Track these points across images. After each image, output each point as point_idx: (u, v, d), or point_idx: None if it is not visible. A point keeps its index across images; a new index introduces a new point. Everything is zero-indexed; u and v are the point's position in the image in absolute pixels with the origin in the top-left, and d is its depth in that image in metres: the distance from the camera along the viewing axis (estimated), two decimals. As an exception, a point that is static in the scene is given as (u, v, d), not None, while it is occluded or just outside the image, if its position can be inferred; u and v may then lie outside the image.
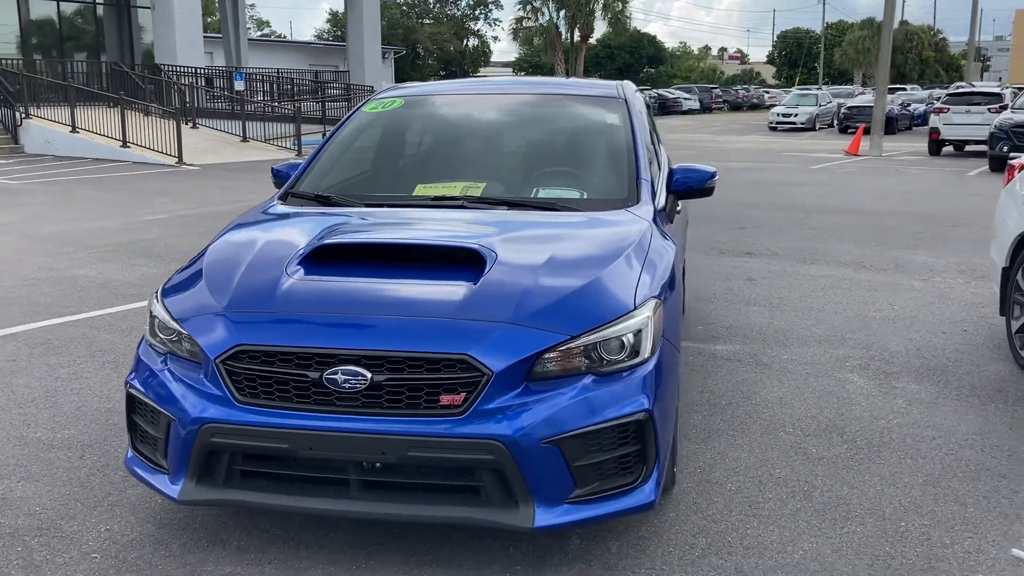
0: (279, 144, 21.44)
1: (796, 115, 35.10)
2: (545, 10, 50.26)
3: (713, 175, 4.24)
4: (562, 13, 49.96)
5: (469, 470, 2.81)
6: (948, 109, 22.10)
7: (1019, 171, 5.75)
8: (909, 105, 35.61)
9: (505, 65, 80.00)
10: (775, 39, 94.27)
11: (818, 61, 74.75)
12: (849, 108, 32.42)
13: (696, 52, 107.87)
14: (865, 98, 32.87)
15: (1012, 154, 10.57)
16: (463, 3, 68.97)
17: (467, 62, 67.21)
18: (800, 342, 5.72)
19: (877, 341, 5.74)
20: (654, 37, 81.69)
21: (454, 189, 3.97)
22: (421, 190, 4.03)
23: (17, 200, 12.66)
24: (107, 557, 3.10)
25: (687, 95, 55.17)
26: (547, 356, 2.82)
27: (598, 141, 4.40)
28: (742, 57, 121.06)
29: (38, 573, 3.01)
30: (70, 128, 19.46)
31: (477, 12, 69.02)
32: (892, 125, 29.53)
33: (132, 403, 3.16)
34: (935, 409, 4.54)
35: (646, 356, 2.94)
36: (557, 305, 2.95)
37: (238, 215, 4.08)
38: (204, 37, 24.90)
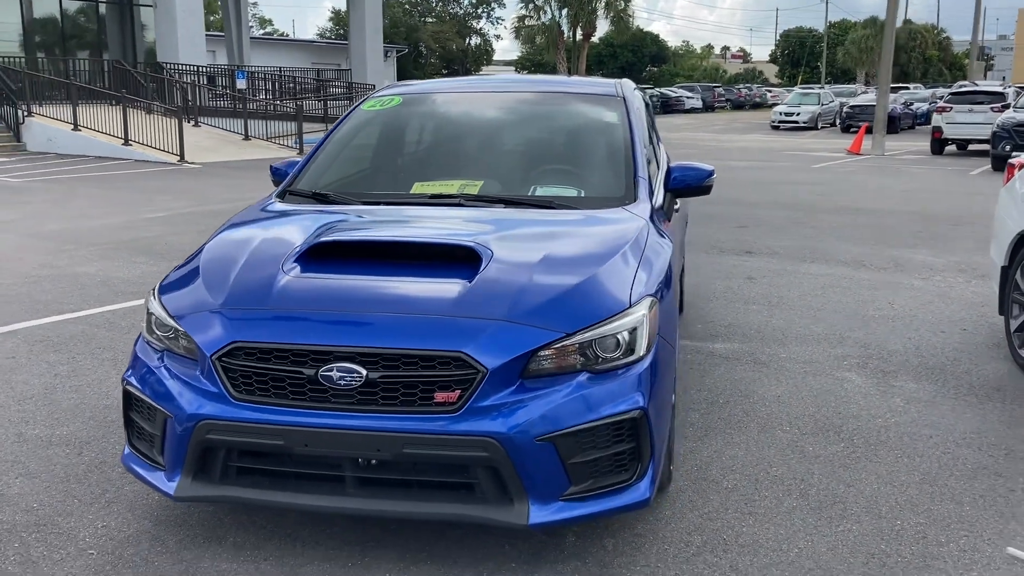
0: (281, 142, 21.47)
1: (798, 114, 35.08)
2: (547, 8, 50.23)
3: (711, 173, 4.24)
4: (564, 12, 49.91)
5: (464, 467, 2.81)
6: (951, 108, 22.08)
7: (1019, 170, 5.75)
8: (912, 104, 35.58)
9: (507, 64, 79.98)
10: (778, 38, 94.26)
11: (821, 60, 74.71)
12: (851, 107, 32.37)
13: (699, 51, 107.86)
14: (867, 97, 32.80)
15: (1014, 153, 10.54)
16: (465, 2, 69.02)
17: (469, 61, 67.21)
18: (799, 341, 5.72)
19: (876, 340, 5.74)
20: (657, 36, 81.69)
21: (451, 187, 3.98)
22: (418, 188, 4.03)
23: (19, 198, 12.68)
24: (103, 553, 3.11)
25: (690, 94, 55.15)
26: (542, 354, 2.82)
27: (596, 139, 4.40)
28: (745, 56, 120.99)
29: (35, 569, 3.02)
30: (72, 126, 19.49)
31: (479, 11, 69.04)
32: (895, 124, 29.48)
33: (129, 400, 3.17)
34: (933, 408, 4.54)
35: (641, 354, 2.95)
36: (552, 303, 2.95)
37: (236, 213, 4.08)
38: (207, 35, 24.93)
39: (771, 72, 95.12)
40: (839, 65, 75.62)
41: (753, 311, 6.47)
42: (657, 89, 55.76)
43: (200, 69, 23.52)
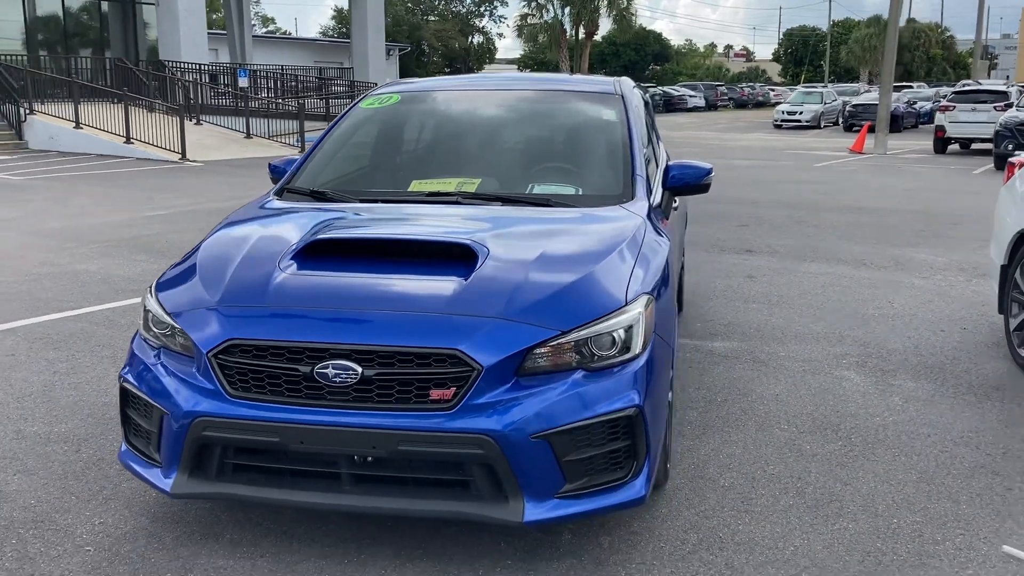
0: (283, 141, 21.48)
1: (801, 113, 35.05)
2: (550, 7, 50.18)
3: (709, 171, 4.23)
4: (567, 10, 49.86)
5: (459, 464, 2.81)
6: (954, 107, 22.05)
7: (1019, 168, 5.74)
8: (915, 103, 35.53)
9: (510, 62, 79.94)
10: (781, 37, 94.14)
11: (824, 59, 74.56)
12: (854, 106, 32.34)
13: (702, 49, 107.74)
14: (870, 96, 32.76)
15: (1016, 151, 10.52)
16: (468, 0, 68.93)
17: (472, 59, 67.17)
18: (798, 339, 5.72)
19: (875, 338, 5.74)
20: (660, 34, 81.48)
21: (449, 185, 3.98)
22: (416, 186, 4.04)
23: (21, 196, 12.70)
24: (100, 550, 3.12)
25: (692, 92, 55.12)
26: (537, 351, 2.83)
27: (594, 137, 4.40)
28: (748, 55, 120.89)
29: (32, 565, 3.03)
30: (74, 124, 19.50)
31: (482, 9, 68.96)
32: (898, 123, 29.45)
33: (126, 397, 3.18)
34: (931, 406, 4.53)
35: (637, 352, 2.95)
36: (548, 300, 2.95)
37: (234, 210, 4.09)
38: (209, 34, 24.94)
39: (774, 71, 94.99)
40: (842, 64, 75.50)
41: (753, 310, 6.46)
42: (660, 88, 55.71)
43: (202, 67, 23.54)
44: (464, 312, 2.87)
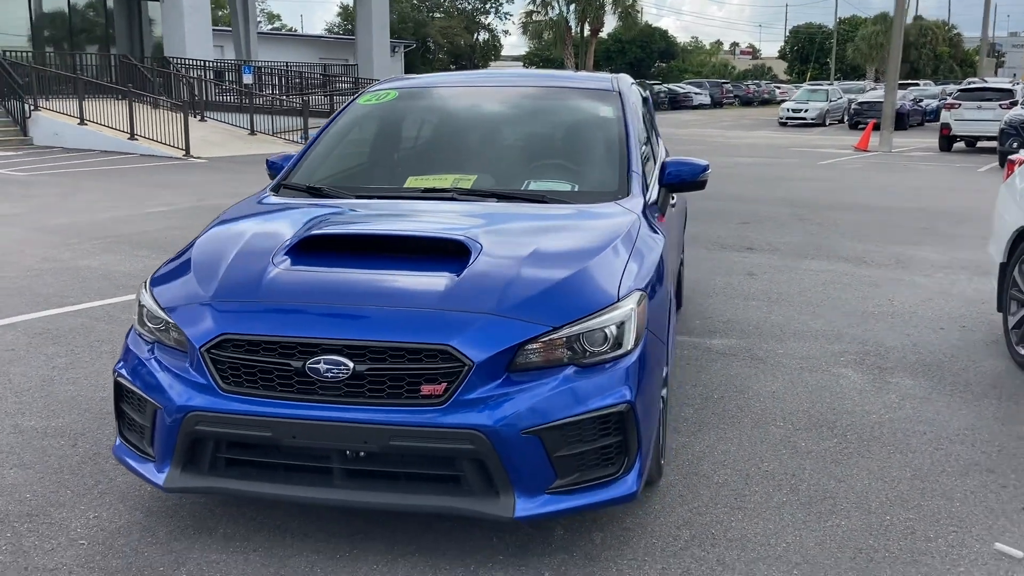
0: (287, 137, 21.50)
1: (806, 110, 34.98)
2: (555, 4, 50.10)
3: (705, 168, 4.23)
4: (572, 7, 49.80)
5: (450, 459, 2.82)
6: (959, 105, 21.99)
7: (1019, 166, 5.72)
8: (921, 101, 35.42)
9: (515, 59, 79.84)
10: (787, 34, 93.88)
11: (830, 56, 74.36)
12: (859, 104, 32.27)
13: (708, 47, 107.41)
14: (876, 94, 32.66)
15: (1021, 149, 10.48)
16: (473, -3, 68.82)
17: (477, 56, 67.11)
18: (796, 337, 5.71)
19: (874, 336, 5.73)
20: (666, 32, 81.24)
21: (445, 181, 3.98)
22: (412, 182, 4.04)
23: (25, 192, 12.74)
24: (94, 544, 3.13)
25: (698, 90, 55.03)
26: (529, 347, 2.83)
27: (590, 134, 4.40)
28: (754, 52, 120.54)
29: (26, 559, 3.04)
30: (78, 120, 19.54)
31: (487, 6, 68.87)
32: (903, 121, 29.37)
33: (120, 391, 3.19)
34: (928, 404, 4.53)
35: (629, 348, 2.95)
36: (540, 296, 2.96)
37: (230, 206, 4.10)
38: (214, 30, 24.99)
39: (780, 68, 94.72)
40: (849, 61, 75.26)
41: (752, 307, 6.46)
42: (665, 85, 55.64)
43: (207, 64, 23.57)
44: (456, 308, 2.88)
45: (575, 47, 50.69)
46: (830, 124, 35.23)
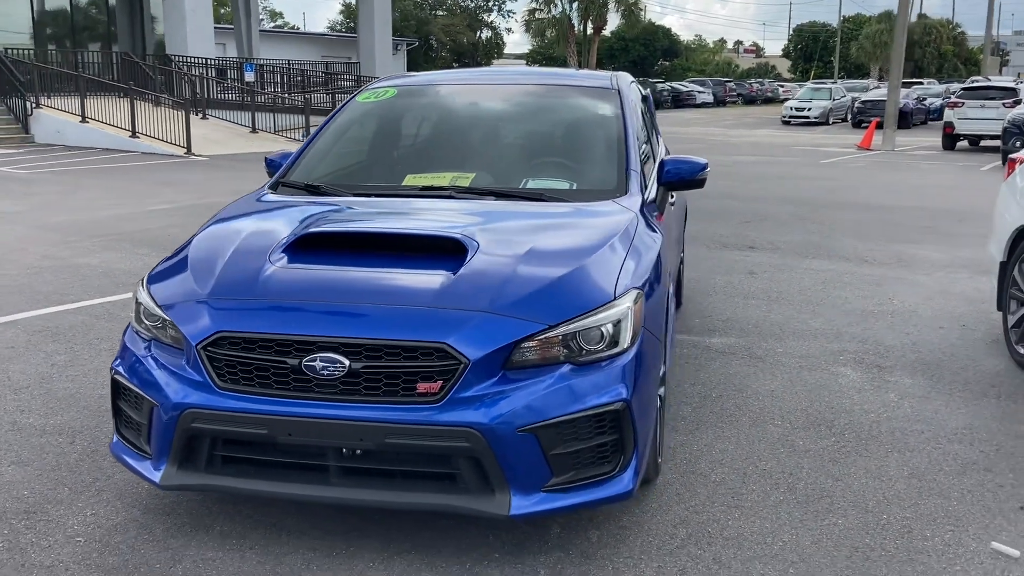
0: (289, 135, 21.50)
1: (809, 109, 34.92)
2: (558, 2, 50.08)
3: (704, 167, 4.22)
4: (575, 5, 49.75)
5: (446, 457, 2.82)
6: (963, 103, 21.96)
7: (1020, 164, 5.71)
8: (925, 99, 35.36)
9: (519, 57, 79.82)
10: (791, 32, 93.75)
11: (834, 55, 74.24)
12: (863, 102, 32.21)
13: (711, 45, 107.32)
14: (879, 92, 32.62)
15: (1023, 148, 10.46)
16: (476, -5, 68.79)
17: (480, 54, 67.09)
18: (796, 336, 5.70)
19: (874, 335, 5.72)
20: (669, 30, 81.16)
21: (443, 179, 3.98)
22: (410, 180, 4.04)
23: (26, 189, 12.75)
24: (91, 541, 3.14)
25: (701, 88, 54.95)
26: (525, 345, 2.83)
27: (589, 132, 4.39)
28: (757, 50, 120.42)
29: (23, 555, 3.05)
30: (80, 118, 19.55)
31: (490, 4, 68.82)
32: (907, 119, 29.32)
33: (117, 389, 3.19)
34: (926, 403, 4.52)
35: (625, 346, 2.95)
36: (536, 295, 2.95)
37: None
38: (216, 28, 24.98)
39: (784, 67, 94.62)
40: (853, 60, 75.14)
41: (752, 306, 6.45)
42: (668, 83, 55.56)
43: (209, 62, 23.58)
44: (452, 306, 2.88)
45: (578, 45, 50.64)
46: (833, 123, 35.18)
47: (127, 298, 6.50)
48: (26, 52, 22.29)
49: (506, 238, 3.28)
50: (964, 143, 22.35)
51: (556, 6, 50.48)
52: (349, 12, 62.77)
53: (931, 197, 12.86)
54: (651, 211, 3.86)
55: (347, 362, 2.78)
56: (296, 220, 3.51)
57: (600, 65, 56.51)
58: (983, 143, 22.05)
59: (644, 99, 5.19)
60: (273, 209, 3.83)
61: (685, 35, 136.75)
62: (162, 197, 12.10)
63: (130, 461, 3.13)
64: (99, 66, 23.67)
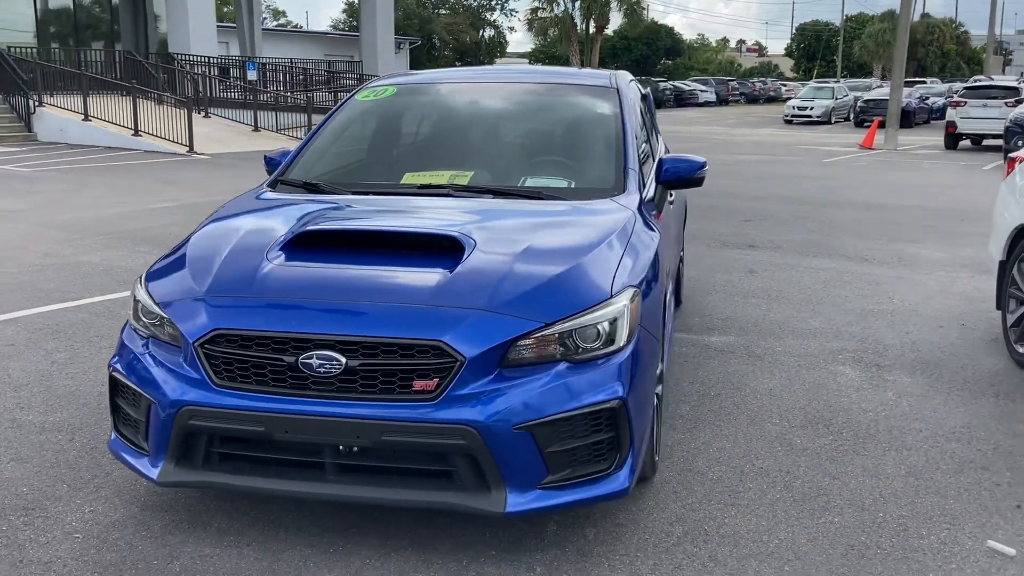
0: (291, 134, 21.52)
1: (812, 108, 34.87)
2: (560, 1, 50.07)
3: (703, 165, 4.22)
4: (577, 4, 49.73)
5: (442, 455, 2.83)
6: (965, 103, 21.92)
7: (1019, 164, 5.70)
8: (927, 98, 35.32)
9: (521, 56, 79.78)
10: (794, 31, 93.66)
11: (837, 54, 74.14)
12: (865, 101, 32.17)
13: (714, 44, 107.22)
14: (882, 91, 32.56)
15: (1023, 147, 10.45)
16: (479, -7, 68.75)
17: (483, 53, 67.06)
18: (795, 334, 5.71)
19: (873, 334, 5.72)
20: (672, 29, 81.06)
21: (441, 178, 3.99)
22: (409, 178, 4.05)
23: (29, 187, 12.77)
24: (89, 537, 3.15)
25: (703, 87, 54.91)
26: (521, 343, 2.84)
27: (587, 130, 4.40)
28: (760, 49, 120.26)
29: (21, 551, 3.06)
30: (83, 116, 19.59)
31: (493, 2, 68.76)
32: (909, 119, 29.28)
33: (115, 386, 3.21)
34: (924, 402, 4.52)
35: (621, 344, 2.95)
36: (533, 292, 2.96)
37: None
38: (219, 27, 25.00)
39: (786, 66, 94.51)
40: (855, 59, 75.06)
41: (752, 305, 6.45)
42: (670, 82, 55.51)
43: (211, 60, 23.60)
44: (448, 304, 2.89)
45: (580, 44, 50.63)
46: (836, 122, 35.14)
47: (127, 296, 6.50)
48: (29, 50, 22.32)
49: (503, 236, 3.29)
50: (966, 142, 22.32)
51: (558, 5, 50.50)
52: (352, 11, 62.73)
53: (933, 196, 12.85)
54: (649, 209, 3.87)
55: (344, 360, 2.78)
56: (294, 218, 3.52)
57: (603, 64, 56.46)
58: (985, 142, 22.02)
59: (643, 98, 5.19)
60: (271, 207, 3.84)
61: (688, 34, 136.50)
62: (164, 195, 12.12)
63: (128, 458, 3.14)
64: (102, 64, 23.69)
